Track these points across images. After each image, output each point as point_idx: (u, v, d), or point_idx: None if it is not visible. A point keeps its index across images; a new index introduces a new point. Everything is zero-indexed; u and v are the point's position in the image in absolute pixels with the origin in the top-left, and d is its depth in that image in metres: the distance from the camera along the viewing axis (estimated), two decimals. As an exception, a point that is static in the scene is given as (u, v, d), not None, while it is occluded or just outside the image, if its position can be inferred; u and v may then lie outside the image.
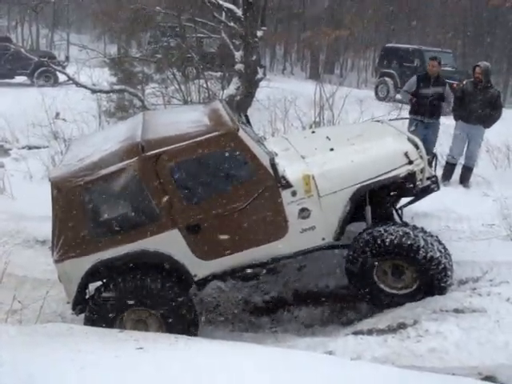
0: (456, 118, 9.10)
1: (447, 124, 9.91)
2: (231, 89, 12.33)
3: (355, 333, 5.32)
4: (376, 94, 20.58)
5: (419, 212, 6.72)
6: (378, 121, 7.18)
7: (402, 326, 5.18)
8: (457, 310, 5.26)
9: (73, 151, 5.97)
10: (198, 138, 5.30)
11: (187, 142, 5.28)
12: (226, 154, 5.37)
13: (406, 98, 9.44)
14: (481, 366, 4.45)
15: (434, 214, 7.04)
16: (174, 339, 4.86)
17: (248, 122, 6.51)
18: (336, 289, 6.51)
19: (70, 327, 5.17)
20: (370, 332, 5.25)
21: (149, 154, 5.25)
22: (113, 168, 5.26)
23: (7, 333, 4.83)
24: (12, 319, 5.85)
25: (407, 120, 9.37)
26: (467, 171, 9.03)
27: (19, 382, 3.48)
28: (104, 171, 5.27)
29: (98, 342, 4.68)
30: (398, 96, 9.96)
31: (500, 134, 9.37)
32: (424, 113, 9.02)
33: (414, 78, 9.32)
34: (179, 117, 6.11)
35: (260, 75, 12.83)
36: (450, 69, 19.02)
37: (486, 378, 4.31)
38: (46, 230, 7.96)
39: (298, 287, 6.66)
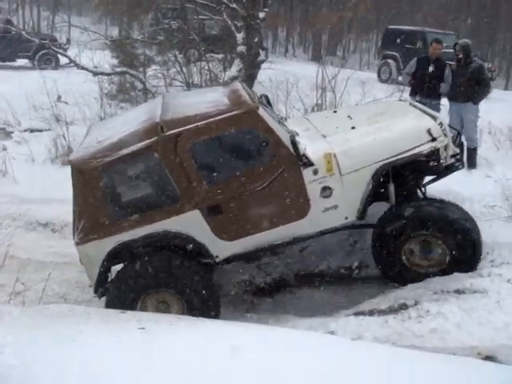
0: (448, 99, 9.13)
1: (447, 105, 9.89)
2: (233, 71, 12.28)
3: (356, 313, 5.34)
4: (378, 75, 20.51)
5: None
6: (402, 100, 7.10)
7: (404, 306, 5.20)
8: (458, 291, 5.27)
9: (92, 135, 5.93)
10: (218, 117, 5.25)
11: (207, 121, 5.23)
12: (247, 133, 5.35)
13: (406, 79, 9.43)
14: (481, 347, 4.47)
15: (436, 194, 7.02)
16: (175, 319, 4.88)
17: (268, 102, 6.43)
18: (338, 270, 6.53)
19: (72, 308, 5.19)
20: (371, 313, 5.27)
21: (168, 133, 5.21)
22: (132, 148, 5.22)
23: (10, 314, 4.86)
24: (15, 301, 5.87)
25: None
26: (470, 152, 9.01)
27: (22, 362, 3.51)
28: (123, 152, 5.22)
29: (100, 322, 4.70)
30: (400, 78, 9.92)
31: (502, 116, 9.34)
32: (423, 94, 8.98)
33: (415, 60, 9.29)
34: (198, 98, 6.08)
35: (262, 57, 12.80)
36: (451, 50, 18.89)
37: (486, 358, 4.32)
38: (48, 212, 8.05)
39: (300, 268, 6.68)
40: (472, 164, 8.93)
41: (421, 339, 4.65)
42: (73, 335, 4.21)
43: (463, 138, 8.93)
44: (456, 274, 5.54)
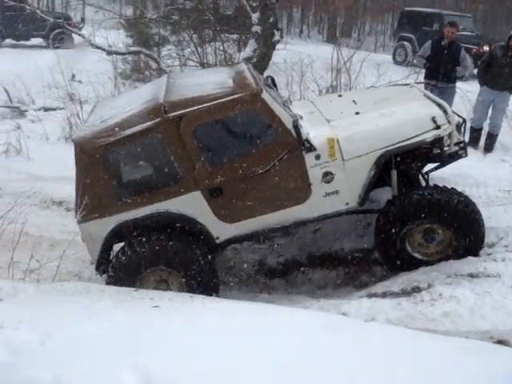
0: (481, 83, 8.99)
1: (464, 89, 9.80)
2: (248, 51, 12.21)
3: (369, 295, 5.35)
4: (394, 58, 20.31)
5: (435, 177, 6.68)
6: (407, 84, 7.05)
7: (416, 289, 5.19)
8: (471, 275, 5.27)
9: (97, 113, 5.96)
10: (221, 100, 5.25)
11: (210, 104, 5.24)
12: (250, 116, 5.34)
13: (421, 63, 9.30)
14: (493, 331, 4.46)
15: (451, 178, 6.99)
16: (189, 298, 4.91)
17: (274, 84, 6.42)
18: (351, 252, 6.52)
19: (87, 286, 5.23)
20: (383, 295, 5.28)
21: (171, 115, 5.23)
22: (135, 129, 5.25)
23: (25, 291, 4.91)
24: (30, 278, 5.92)
25: (423, 85, 9.26)
26: (493, 137, 8.95)
27: (38, 338, 3.54)
28: (127, 132, 5.26)
29: (114, 300, 4.74)
30: (415, 61, 9.84)
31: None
32: (438, 77, 8.88)
33: (429, 43, 9.17)
34: (203, 78, 6.06)
35: (277, 37, 12.68)
36: (469, 33, 18.72)
37: (499, 342, 4.31)
38: (62, 190, 8.09)
39: (313, 250, 6.68)
40: (489, 148, 8.88)
41: (433, 322, 4.64)
42: (88, 312, 4.25)
43: (486, 123, 8.88)
44: (470, 258, 5.53)
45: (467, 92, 9.94)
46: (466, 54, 9.22)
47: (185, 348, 3.52)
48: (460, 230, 5.52)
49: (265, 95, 5.32)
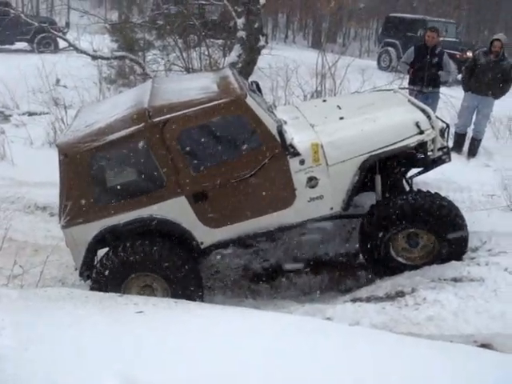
0: (465, 89, 9.05)
1: (448, 94, 9.87)
2: (233, 56, 12.23)
3: (353, 300, 5.37)
4: (378, 63, 20.44)
5: (419, 182, 6.71)
6: (391, 89, 7.10)
7: (401, 294, 5.22)
8: (455, 279, 5.30)
9: (81, 118, 5.95)
10: (206, 105, 5.26)
11: (194, 109, 5.25)
12: (234, 121, 5.36)
13: (405, 69, 9.37)
14: (477, 335, 4.49)
15: (434, 183, 7.04)
16: (173, 304, 4.90)
17: (259, 89, 6.44)
18: (335, 256, 6.55)
19: (71, 291, 5.20)
20: (368, 299, 5.30)
21: (155, 120, 5.23)
22: (119, 134, 5.24)
23: (8, 297, 4.86)
24: (13, 284, 5.88)
25: (407, 90, 9.31)
26: (476, 143, 9.02)
27: (21, 344, 3.51)
28: (111, 137, 5.25)
29: (98, 306, 4.71)
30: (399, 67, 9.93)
31: (502, 106, 9.32)
32: (422, 83, 8.96)
33: (412, 49, 9.25)
34: (188, 84, 6.07)
35: (262, 43, 12.72)
36: (453, 39, 18.89)
37: (482, 346, 4.35)
38: (46, 195, 8.03)
39: (298, 255, 6.69)
40: (473, 153, 8.94)
41: (417, 326, 4.67)
42: (71, 318, 4.23)
43: (471, 128, 8.95)
44: (453, 263, 5.57)
45: (451, 97, 10.01)
46: (450, 59, 9.30)
47: (170, 354, 3.51)
48: (443, 234, 5.55)
49: (249, 100, 5.33)
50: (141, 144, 5.30)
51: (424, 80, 8.91)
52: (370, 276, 5.98)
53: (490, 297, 4.89)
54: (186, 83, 6.17)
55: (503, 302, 4.77)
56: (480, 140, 9.02)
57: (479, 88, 8.78)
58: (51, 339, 3.71)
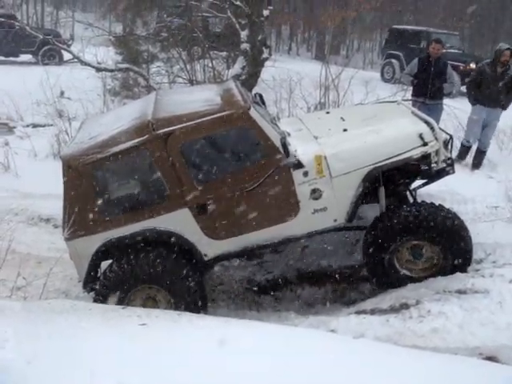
0: (473, 103, 9.02)
1: (451, 106, 9.87)
2: (236, 68, 12.29)
3: (358, 312, 5.35)
4: (382, 75, 20.49)
5: (423, 193, 6.70)
6: (394, 101, 7.10)
7: (405, 306, 5.19)
8: (459, 291, 5.27)
9: (85, 130, 5.96)
10: (209, 117, 5.26)
11: (198, 121, 5.25)
12: (237, 134, 5.36)
13: (408, 80, 9.36)
14: (482, 347, 4.47)
15: (438, 195, 7.02)
16: (177, 316, 4.88)
17: (262, 101, 6.43)
18: (339, 269, 6.52)
19: (74, 304, 5.18)
20: (372, 312, 5.27)
21: (159, 132, 5.23)
22: (123, 146, 5.24)
23: (12, 309, 4.85)
24: (16, 296, 5.87)
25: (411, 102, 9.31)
26: (481, 154, 9.01)
27: (24, 357, 3.51)
28: (114, 149, 5.25)
29: (101, 318, 4.70)
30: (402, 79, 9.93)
31: (505, 117, 9.31)
32: (425, 94, 8.95)
33: (415, 61, 9.22)
34: (192, 95, 6.08)
35: (265, 55, 12.78)
36: (456, 51, 18.91)
37: (488, 359, 4.32)
38: (49, 207, 8.04)
39: (301, 267, 6.67)
40: (477, 165, 8.93)
41: (422, 339, 4.64)
42: (74, 330, 4.21)
43: (475, 140, 8.93)
44: (458, 274, 5.54)
45: (454, 109, 10.01)
46: (453, 71, 9.30)
47: (173, 366, 3.50)
48: (448, 246, 5.53)
49: (253, 112, 5.34)
50: (144, 156, 5.32)
51: (427, 92, 8.90)
52: (374, 288, 5.95)
53: (495, 309, 4.87)
54: (189, 95, 6.18)
55: (508, 314, 4.75)
56: (485, 152, 9.01)
57: (488, 100, 8.76)
58: (54, 352, 3.70)
